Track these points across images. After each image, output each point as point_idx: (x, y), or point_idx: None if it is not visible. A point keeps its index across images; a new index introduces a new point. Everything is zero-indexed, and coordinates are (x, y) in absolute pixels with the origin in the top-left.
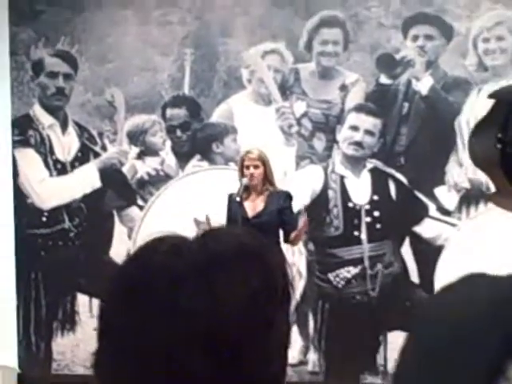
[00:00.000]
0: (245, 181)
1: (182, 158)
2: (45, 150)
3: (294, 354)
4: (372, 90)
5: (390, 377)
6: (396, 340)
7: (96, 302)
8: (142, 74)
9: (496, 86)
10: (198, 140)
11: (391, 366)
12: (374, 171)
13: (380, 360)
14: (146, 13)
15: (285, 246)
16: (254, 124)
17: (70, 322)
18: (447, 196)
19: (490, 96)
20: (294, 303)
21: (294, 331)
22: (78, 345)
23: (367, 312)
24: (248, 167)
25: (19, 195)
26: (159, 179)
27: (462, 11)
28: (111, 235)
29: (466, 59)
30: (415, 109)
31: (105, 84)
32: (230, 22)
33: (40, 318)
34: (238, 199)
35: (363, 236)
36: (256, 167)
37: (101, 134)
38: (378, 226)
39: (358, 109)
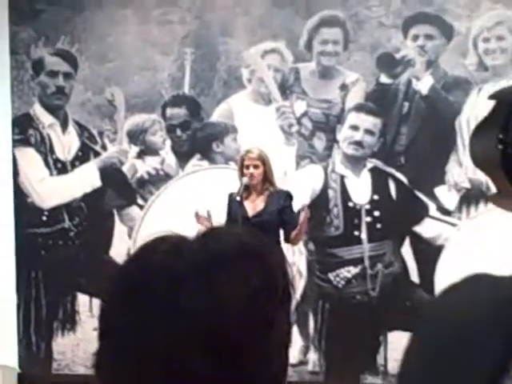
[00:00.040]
0: (245, 180)
1: (182, 157)
2: (45, 149)
3: (294, 353)
4: (372, 90)
5: (390, 377)
6: (396, 340)
7: (96, 302)
8: (142, 73)
9: (496, 85)
10: (198, 139)
11: (391, 366)
12: (374, 171)
13: (380, 360)
14: (146, 12)
15: (285, 246)
16: (254, 123)
17: (70, 321)
18: (447, 196)
19: (491, 97)
20: (294, 303)
21: (295, 331)
22: (78, 344)
23: (367, 312)
24: (248, 167)
25: (19, 194)
26: (159, 178)
27: (462, 11)
28: (111, 234)
29: (467, 59)
30: (415, 108)
31: (105, 83)
32: (231, 21)
33: (40, 318)
34: (238, 199)
35: (363, 236)
36: (256, 167)
37: (101, 133)
38: (379, 225)
39: (358, 108)
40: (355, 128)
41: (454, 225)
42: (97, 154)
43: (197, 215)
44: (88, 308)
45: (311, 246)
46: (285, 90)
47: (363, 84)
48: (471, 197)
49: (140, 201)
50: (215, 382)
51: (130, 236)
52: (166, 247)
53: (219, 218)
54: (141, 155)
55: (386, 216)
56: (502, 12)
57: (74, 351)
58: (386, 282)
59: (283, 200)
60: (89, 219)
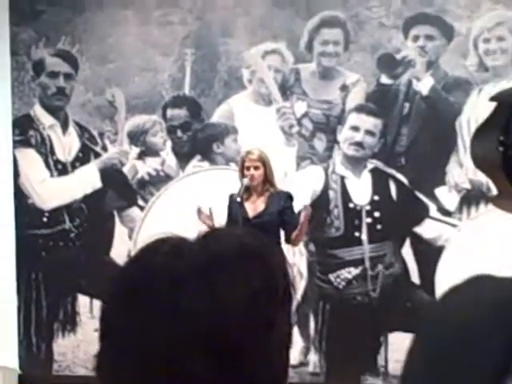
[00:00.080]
0: (245, 181)
1: (183, 158)
2: (45, 150)
3: (294, 354)
4: (373, 91)
5: (390, 378)
6: (397, 341)
7: (97, 303)
8: (143, 74)
9: (497, 86)
10: (198, 140)
11: (392, 366)
12: (375, 171)
13: (381, 361)
14: (146, 13)
15: (285, 247)
16: (254, 124)
17: (70, 322)
18: (448, 196)
19: (492, 99)
20: (294, 304)
21: (295, 332)
22: (78, 346)
23: (368, 313)
24: (248, 168)
25: (20, 195)
26: (160, 179)
27: (462, 11)
28: (112, 236)
29: (467, 59)
30: (416, 109)
31: (105, 84)
32: (231, 22)
33: (41, 319)
34: (238, 200)
35: (364, 237)
36: (256, 168)
37: (101, 134)
38: (379, 226)
39: (359, 109)
40: (356, 129)
41: (454, 226)
42: (97, 155)
43: (199, 211)
44: (88, 309)
45: (312, 246)
46: (285, 90)
47: (364, 85)
48: (472, 198)
49: (140, 202)
50: (216, 383)
51: (130, 237)
52: (166, 249)
53: (220, 219)
54: (141, 156)
55: (386, 217)
56: (502, 13)
57: (75, 352)
58: (387, 282)
59: (284, 201)
60: (89, 220)
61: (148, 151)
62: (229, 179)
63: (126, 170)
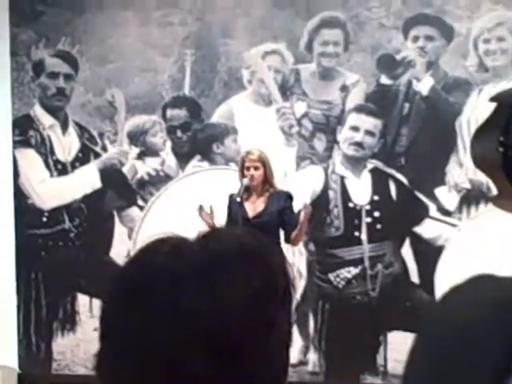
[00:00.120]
0: (245, 181)
1: (183, 158)
2: (45, 150)
3: (294, 354)
4: (372, 91)
5: (389, 377)
6: (396, 340)
7: (96, 303)
8: (143, 74)
9: (496, 86)
10: (198, 140)
11: (391, 366)
12: (375, 172)
13: (380, 360)
14: (146, 14)
15: (285, 247)
16: (254, 124)
17: (70, 322)
18: (447, 196)
19: (492, 99)
20: (294, 303)
21: (294, 331)
22: (78, 345)
23: (367, 312)
24: (248, 168)
25: (20, 195)
26: (159, 180)
27: (462, 12)
28: (111, 235)
29: (467, 60)
30: (416, 109)
31: (105, 84)
32: (231, 22)
33: (40, 318)
34: (238, 200)
35: (363, 236)
36: (256, 168)
37: (101, 135)
38: (379, 226)
39: (359, 109)
40: (355, 129)
41: (454, 225)
42: (97, 155)
43: (200, 208)
44: (88, 308)
45: (311, 246)
46: (285, 91)
47: (363, 85)
48: (471, 197)
49: (140, 202)
50: (216, 382)
51: (130, 237)
52: (166, 248)
53: (219, 219)
54: (141, 156)
55: (386, 217)
56: (502, 13)
57: (74, 352)
58: (386, 282)
59: (283, 201)
60: (89, 220)
61: (148, 151)
62: (228, 179)
63: (125, 170)
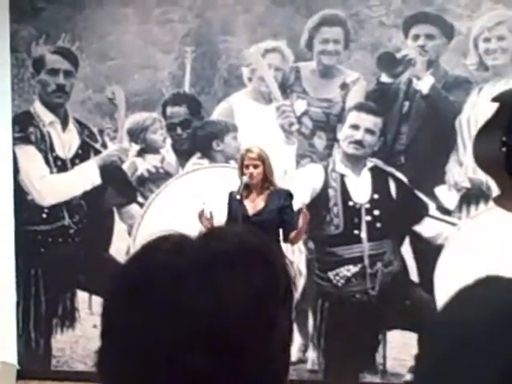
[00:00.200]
0: (245, 179)
1: (183, 155)
2: (45, 146)
3: (293, 352)
4: (373, 89)
5: (389, 376)
6: (395, 339)
7: (96, 299)
8: (143, 71)
9: (497, 85)
10: (198, 138)
11: (390, 364)
12: (375, 170)
13: (379, 359)
14: (146, 11)
15: (284, 245)
16: (254, 122)
17: (69, 318)
18: (447, 195)
19: (494, 99)
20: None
21: (294, 329)
22: (77, 341)
23: (367, 311)
24: (248, 166)
25: (19, 192)
26: (159, 177)
27: (462, 11)
28: (111, 232)
29: (467, 59)
30: (416, 108)
31: (105, 81)
32: (231, 20)
33: (39, 315)
34: (238, 197)
35: (363, 235)
36: (256, 166)
37: (101, 132)
38: (378, 224)
39: (359, 107)
40: (355, 127)
41: (453, 224)
42: (97, 152)
43: (201, 213)
44: (87, 305)
45: (311, 244)
46: (285, 88)
47: (364, 83)
48: (471, 196)
49: (140, 199)
50: (216, 381)
51: (129, 234)
52: (168, 246)
53: (219, 217)
54: (141, 153)
55: (385, 215)
56: (502, 12)
57: (73, 348)
58: (386, 281)
59: (283, 199)
60: (89, 217)
61: (148, 148)
62: (228, 177)
63: (125, 167)
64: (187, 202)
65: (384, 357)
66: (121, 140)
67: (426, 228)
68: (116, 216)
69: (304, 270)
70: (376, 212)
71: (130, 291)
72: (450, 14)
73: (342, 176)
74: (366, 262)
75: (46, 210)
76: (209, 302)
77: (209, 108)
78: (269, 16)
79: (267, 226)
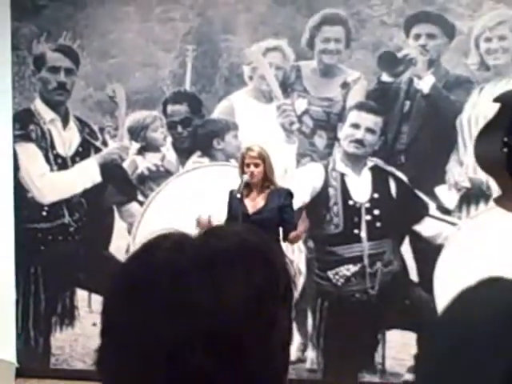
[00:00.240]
0: (245, 177)
1: (183, 154)
2: (46, 144)
3: (292, 351)
4: (373, 88)
5: (387, 375)
6: (394, 338)
7: (95, 297)
8: (144, 69)
9: (497, 85)
10: (198, 136)
11: (389, 364)
12: (375, 169)
13: (378, 358)
14: (147, 9)
15: (284, 244)
16: (255, 121)
17: (68, 316)
18: (447, 195)
19: (495, 100)
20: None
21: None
22: (76, 340)
23: (366, 310)
24: (248, 165)
25: (20, 189)
26: (160, 175)
27: (464, 10)
28: (111, 230)
29: (468, 58)
30: (417, 107)
31: (106, 79)
32: (232, 18)
33: (39, 313)
34: (238, 196)
35: (363, 234)
36: (256, 165)
37: (102, 130)
38: (378, 224)
39: (360, 107)
40: (356, 126)
41: (453, 224)
42: (97, 150)
43: (198, 222)
44: (87, 303)
45: (311, 243)
46: (286, 87)
47: (364, 82)
48: (471, 196)
49: (140, 197)
50: (216, 379)
51: (129, 232)
52: (168, 244)
53: (219, 215)
54: (141, 151)
55: (385, 215)
56: (503, 12)
57: (73, 346)
58: (385, 280)
59: (284, 198)
60: (89, 215)
61: (148, 147)
62: (229, 175)
63: (126, 165)
64: (187, 201)
65: (383, 356)
66: (121, 138)
67: (426, 228)
68: (116, 214)
69: (304, 269)
70: (376, 211)
71: (130, 289)
72: (451, 13)
73: (343, 175)
74: (366, 261)
75: (46, 208)
76: (209, 300)
77: (209, 106)
78: (270, 15)
79: (267, 224)
